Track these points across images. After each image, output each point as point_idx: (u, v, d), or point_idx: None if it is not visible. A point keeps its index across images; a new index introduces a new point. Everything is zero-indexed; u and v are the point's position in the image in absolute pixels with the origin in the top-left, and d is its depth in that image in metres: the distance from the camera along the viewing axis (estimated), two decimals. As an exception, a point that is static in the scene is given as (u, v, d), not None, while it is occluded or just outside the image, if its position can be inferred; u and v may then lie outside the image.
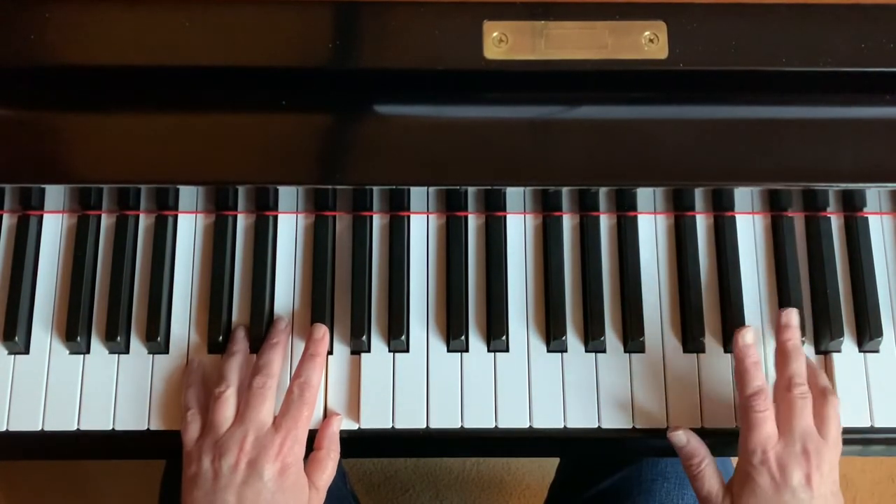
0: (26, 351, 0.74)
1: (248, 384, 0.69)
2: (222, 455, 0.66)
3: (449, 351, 0.74)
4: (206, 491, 0.65)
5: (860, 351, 0.75)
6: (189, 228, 0.76)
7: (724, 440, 0.72)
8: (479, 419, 0.72)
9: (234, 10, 0.69)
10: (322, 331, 0.72)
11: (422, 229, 0.77)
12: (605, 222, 0.77)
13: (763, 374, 0.69)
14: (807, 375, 0.69)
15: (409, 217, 0.77)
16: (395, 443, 0.73)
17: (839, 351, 0.75)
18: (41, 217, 0.76)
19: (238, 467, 0.65)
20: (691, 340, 0.74)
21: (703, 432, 0.72)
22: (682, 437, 0.71)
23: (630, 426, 0.73)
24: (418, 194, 0.76)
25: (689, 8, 0.69)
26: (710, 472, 0.69)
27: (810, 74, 0.70)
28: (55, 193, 0.75)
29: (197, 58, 0.69)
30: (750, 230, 0.77)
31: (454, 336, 0.73)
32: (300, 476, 0.68)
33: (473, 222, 0.77)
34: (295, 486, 0.67)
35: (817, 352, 0.75)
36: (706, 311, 0.75)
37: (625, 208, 0.77)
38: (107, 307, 0.74)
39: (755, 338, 0.71)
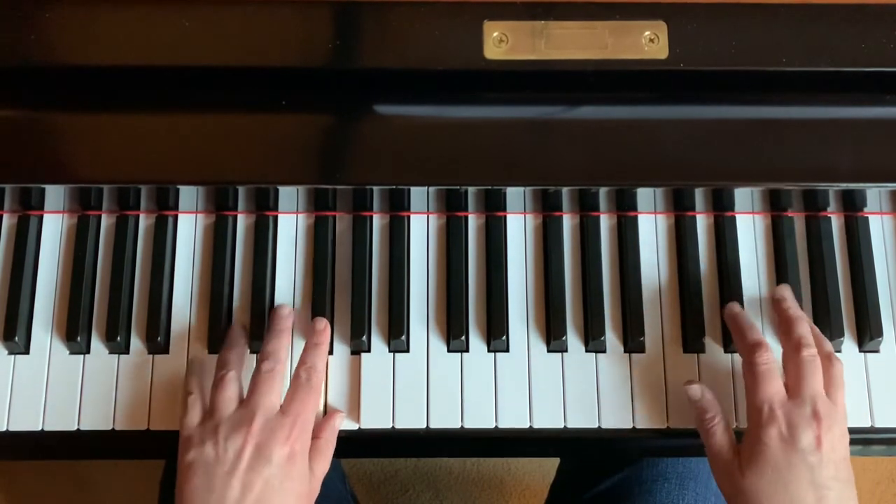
0: (26, 351, 0.74)
1: (257, 369, 0.67)
2: (227, 438, 0.62)
3: (449, 351, 0.74)
4: (207, 478, 0.61)
5: (860, 351, 0.75)
6: (189, 228, 0.76)
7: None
8: (479, 419, 0.72)
9: (234, 10, 0.69)
10: (323, 323, 0.72)
11: (422, 229, 0.77)
12: (605, 222, 0.77)
13: (760, 332, 0.70)
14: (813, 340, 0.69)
15: (409, 217, 0.77)
16: (395, 443, 0.73)
17: (839, 351, 0.74)
18: (41, 217, 0.76)
19: (244, 451, 0.61)
20: (691, 340, 0.74)
21: (703, 432, 0.72)
22: (697, 391, 0.70)
23: (630, 426, 0.73)
24: (418, 194, 0.76)
25: (689, 8, 0.69)
26: (721, 429, 0.68)
27: (810, 74, 0.70)
28: (55, 193, 0.75)
29: (197, 58, 0.69)
30: (750, 230, 0.77)
31: (454, 336, 0.73)
32: (305, 464, 0.65)
33: (473, 222, 0.77)
34: (301, 475, 0.64)
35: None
36: (706, 311, 0.75)
37: (625, 208, 0.77)
38: (107, 307, 0.74)
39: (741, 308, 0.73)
